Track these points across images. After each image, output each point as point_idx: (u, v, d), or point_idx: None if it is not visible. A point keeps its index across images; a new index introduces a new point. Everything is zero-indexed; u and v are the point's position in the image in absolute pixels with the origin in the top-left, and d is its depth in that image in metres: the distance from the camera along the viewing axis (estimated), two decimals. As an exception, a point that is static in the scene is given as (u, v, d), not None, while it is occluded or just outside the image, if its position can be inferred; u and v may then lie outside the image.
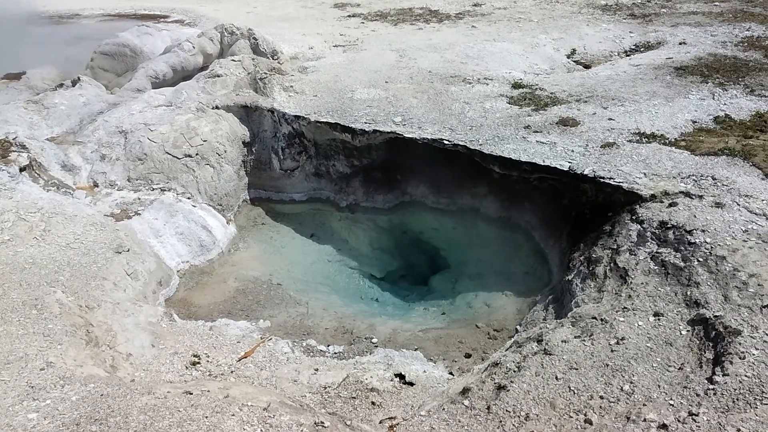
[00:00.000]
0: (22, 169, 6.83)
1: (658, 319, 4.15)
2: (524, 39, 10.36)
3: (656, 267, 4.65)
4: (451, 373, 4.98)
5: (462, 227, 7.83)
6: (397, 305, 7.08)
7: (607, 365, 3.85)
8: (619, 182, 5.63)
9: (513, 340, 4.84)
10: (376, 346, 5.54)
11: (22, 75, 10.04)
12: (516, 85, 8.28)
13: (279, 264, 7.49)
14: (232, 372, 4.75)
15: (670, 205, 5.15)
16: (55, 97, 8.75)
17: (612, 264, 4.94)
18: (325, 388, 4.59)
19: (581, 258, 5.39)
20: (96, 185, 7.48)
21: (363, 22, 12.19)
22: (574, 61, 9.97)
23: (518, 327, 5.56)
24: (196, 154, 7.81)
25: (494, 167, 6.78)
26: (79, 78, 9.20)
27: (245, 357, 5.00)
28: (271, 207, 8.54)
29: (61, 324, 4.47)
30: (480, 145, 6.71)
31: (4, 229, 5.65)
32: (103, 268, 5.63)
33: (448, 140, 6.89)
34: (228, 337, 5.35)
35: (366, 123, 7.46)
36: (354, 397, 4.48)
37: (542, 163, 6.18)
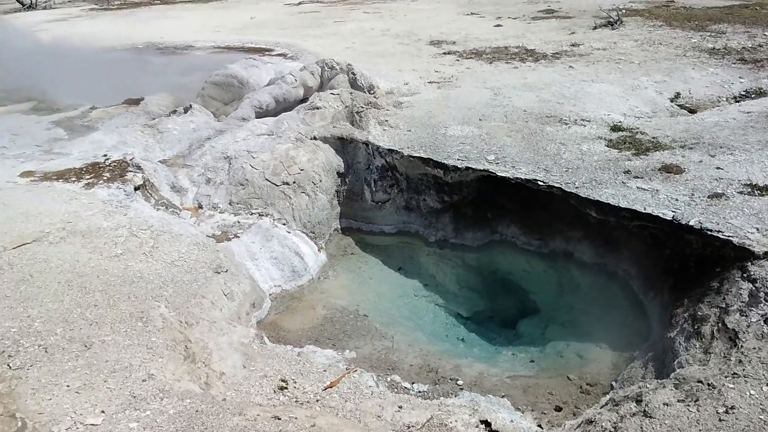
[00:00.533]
0: (136, 188, 7.33)
1: (773, 390, 3.84)
2: (624, 81, 10.10)
3: (770, 331, 4.32)
4: (539, 426, 4.80)
5: (554, 271, 7.63)
6: (484, 348, 6.93)
7: (715, 435, 3.60)
8: (729, 236, 5.30)
9: (609, 397, 4.62)
10: (462, 389, 5.44)
11: (140, 101, 10.77)
12: (615, 128, 8.06)
13: (366, 295, 7.57)
14: (317, 401, 4.80)
15: (787, 264, 4.80)
16: (168, 122, 9.35)
17: (720, 324, 4.63)
18: (409, 427, 4.55)
19: (685, 315, 5.08)
20: (200, 207, 7.90)
21: (458, 60, 12.31)
22: (678, 105, 9.58)
23: (614, 383, 5.29)
24: (294, 182, 8.10)
25: (590, 212, 6.59)
26: (190, 105, 9.79)
27: (330, 386, 5.05)
28: (361, 237, 8.68)
29: (163, 338, 4.71)
30: (576, 188, 6.55)
31: (117, 244, 6.05)
32: (203, 287, 5.89)
33: (542, 181, 6.79)
34: (314, 364, 5.43)
35: (459, 160, 7.49)
36: (438, 439, 4.42)
37: (643, 211, 5.93)
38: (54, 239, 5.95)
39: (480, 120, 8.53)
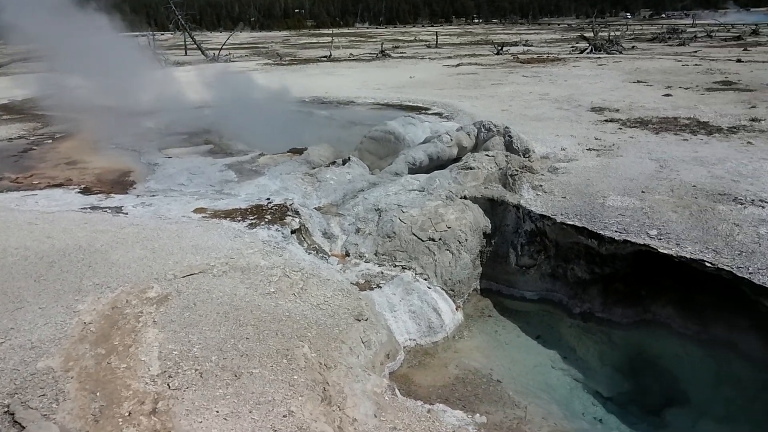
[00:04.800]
0: (292, 232, 7.81)
1: None
2: (816, 162, 9.13)
3: None
4: None
5: (712, 360, 6.93)
6: (624, 432, 6.42)
7: None
8: None
9: None
10: (601, 474, 5.05)
11: (303, 150, 11.54)
12: (801, 213, 7.26)
13: (501, 360, 7.35)
14: (445, 462, 4.68)
15: None
16: (327, 172, 9.93)
17: None
18: (540, 506, 4.27)
19: None
20: (347, 255, 8.21)
21: (621, 128, 11.88)
22: None
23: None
24: (439, 239, 8.18)
25: (764, 301, 5.94)
26: (349, 158, 10.34)
27: (460, 450, 4.91)
28: (500, 300, 8.51)
29: (304, 377, 4.89)
30: (749, 273, 5.95)
31: (271, 282, 6.44)
32: (344, 332, 6.05)
33: (710, 263, 6.26)
34: (444, 424, 5.31)
35: (616, 232, 7.14)
36: None
37: (833, 308, 5.26)
38: (217, 272, 6.46)
39: (643, 192, 8.13)
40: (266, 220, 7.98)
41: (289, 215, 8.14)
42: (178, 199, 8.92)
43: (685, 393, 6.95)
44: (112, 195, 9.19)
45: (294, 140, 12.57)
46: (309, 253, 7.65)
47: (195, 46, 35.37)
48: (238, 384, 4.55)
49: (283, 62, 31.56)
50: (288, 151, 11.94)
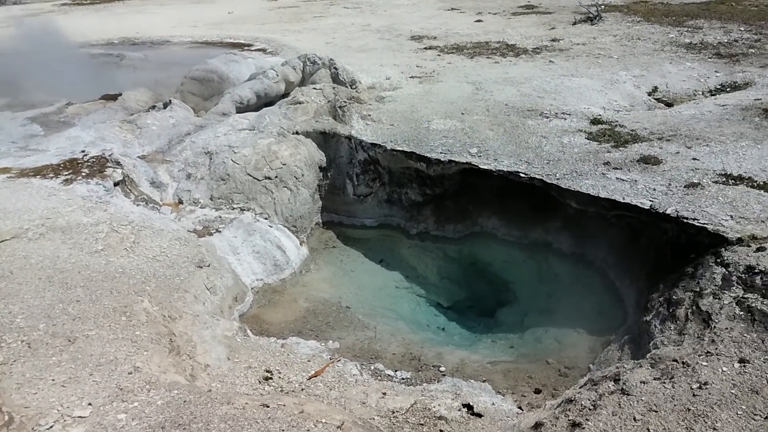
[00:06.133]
0: (116, 184, 7.28)
1: (744, 366, 3.96)
2: (603, 75, 10.25)
3: (742, 312, 4.46)
4: (520, 408, 4.91)
5: (533, 261, 7.75)
6: (464, 336, 7.06)
7: (689, 409, 3.70)
8: (704, 224, 5.45)
9: (587, 377, 4.75)
10: (444, 375, 5.53)
11: (118, 96, 10.62)
12: (595, 121, 8.19)
13: (348, 287, 7.62)
14: (302, 390, 4.84)
15: (758, 249, 4.94)
16: (147, 118, 9.26)
17: (694, 307, 4.78)
18: (393, 412, 4.60)
19: (660, 299, 5.24)
20: (181, 202, 7.86)
21: (439, 55, 12.36)
22: (656, 99, 9.77)
23: (591, 365, 5.43)
24: (275, 177, 8.10)
25: (571, 202, 6.72)
26: (170, 101, 9.70)
27: (315, 376, 5.09)
28: (343, 231, 8.73)
29: (147, 332, 4.70)
30: (557, 179, 6.66)
31: (98, 239, 6.02)
32: (186, 281, 5.89)
33: (524, 173, 6.89)
34: (298, 355, 5.47)
35: (441, 153, 7.56)
36: (422, 424, 4.48)
37: (622, 201, 6.07)
38: (33, 236, 5.90)
39: (462, 114, 8.61)
40: (83, 174, 7.34)
41: (110, 167, 7.55)
42: (-27, 161, 7.86)
43: (513, 293, 7.75)
44: None
45: (106, 86, 11.50)
46: (138, 205, 7.21)
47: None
48: (74, 349, 4.27)
49: (84, 1, 28.25)
50: (100, 98, 10.91)
